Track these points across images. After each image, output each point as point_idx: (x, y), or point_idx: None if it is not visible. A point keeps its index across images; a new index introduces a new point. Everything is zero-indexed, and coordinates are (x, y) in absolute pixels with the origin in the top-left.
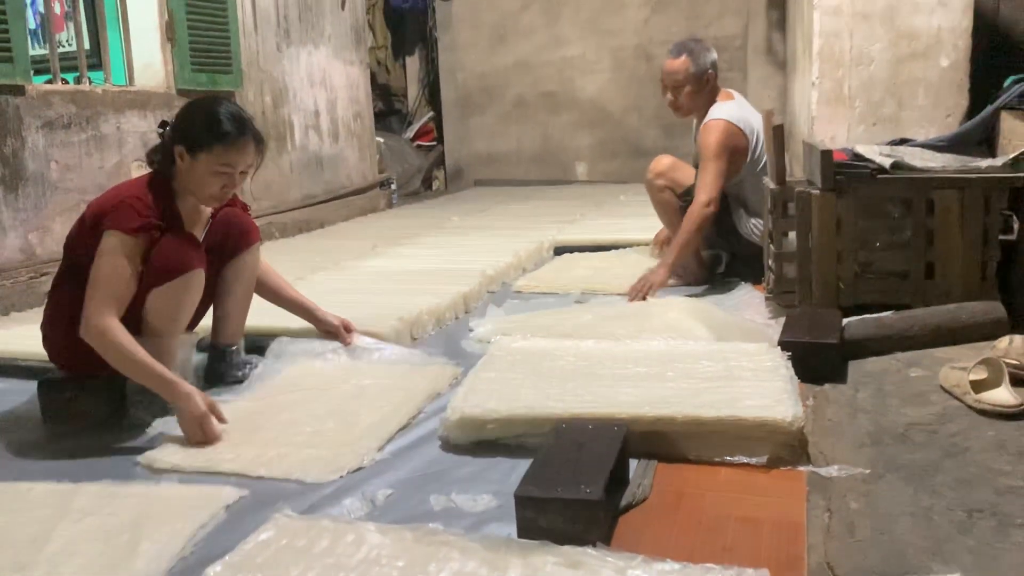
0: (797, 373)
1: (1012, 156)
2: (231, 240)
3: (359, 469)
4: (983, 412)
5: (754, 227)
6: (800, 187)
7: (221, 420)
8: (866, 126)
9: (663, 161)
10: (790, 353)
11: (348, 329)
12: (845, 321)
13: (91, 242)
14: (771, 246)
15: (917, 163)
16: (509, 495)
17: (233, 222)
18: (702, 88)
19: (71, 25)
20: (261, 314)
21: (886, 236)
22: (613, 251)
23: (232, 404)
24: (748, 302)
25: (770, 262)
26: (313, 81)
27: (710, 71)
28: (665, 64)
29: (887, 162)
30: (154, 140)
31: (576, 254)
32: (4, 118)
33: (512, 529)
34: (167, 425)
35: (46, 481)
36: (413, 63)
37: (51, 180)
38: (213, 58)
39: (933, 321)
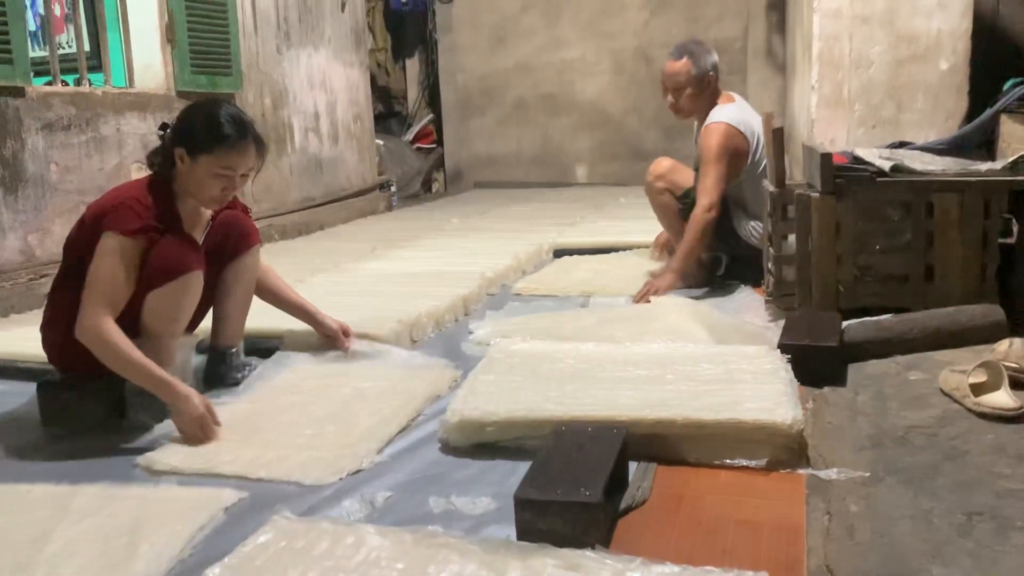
0: (797, 376)
1: (1011, 159)
2: (231, 242)
3: (358, 471)
4: (983, 415)
5: (753, 229)
6: (800, 190)
7: (215, 423)
8: (866, 129)
9: (662, 163)
10: (790, 356)
11: (347, 334)
12: (845, 324)
13: (91, 243)
14: (771, 249)
15: (917, 166)
16: (508, 497)
17: (233, 224)
18: (703, 90)
19: (71, 27)
20: (261, 316)
21: (885, 239)
22: (613, 254)
23: (231, 406)
24: (748, 305)
25: (770, 265)
26: (313, 83)
27: (711, 73)
28: (666, 66)
29: (887, 165)
30: (154, 142)
31: (576, 257)
32: (4, 120)
33: (511, 531)
34: (166, 427)
35: (45, 483)
36: (413, 65)
37: (51, 182)
38: (213, 60)
39: (933, 324)
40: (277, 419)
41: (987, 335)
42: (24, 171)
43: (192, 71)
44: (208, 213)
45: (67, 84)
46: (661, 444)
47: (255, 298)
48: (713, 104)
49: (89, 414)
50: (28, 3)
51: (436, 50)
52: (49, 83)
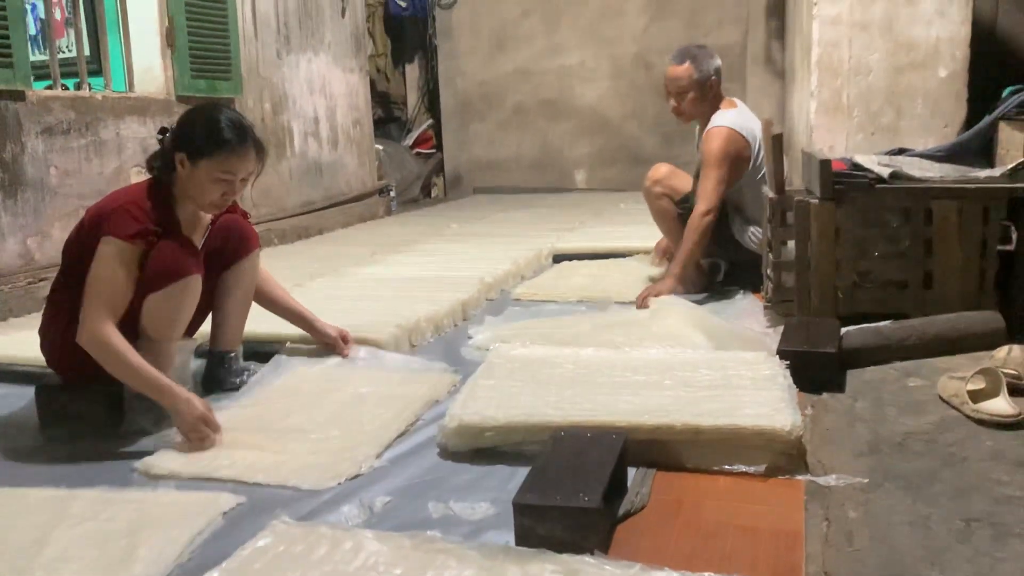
0: (795, 382)
1: (1010, 166)
2: (230, 247)
3: (357, 476)
4: (981, 422)
5: (753, 235)
6: (799, 196)
7: (215, 428)
8: (864, 135)
9: (661, 169)
10: (788, 362)
11: (345, 340)
12: (843, 330)
13: (90, 247)
14: (770, 255)
15: (915, 173)
16: (507, 503)
17: (233, 229)
18: (705, 94)
19: (71, 31)
20: (260, 321)
21: (884, 246)
22: (612, 259)
23: (230, 410)
24: (747, 310)
25: (769, 271)
26: (313, 88)
27: (713, 77)
28: (668, 70)
29: (885, 172)
30: (153, 146)
31: (575, 262)
32: (4, 124)
33: (510, 537)
34: (165, 431)
35: (43, 486)
36: (413, 70)
37: (50, 186)
38: (213, 64)
39: (931, 331)
40: (276, 424)
41: (986, 342)
42: (24, 175)
43: (192, 75)
44: (207, 217)
45: (67, 88)
46: (660, 450)
47: (254, 303)
48: (716, 108)
49: (87, 418)
50: (28, 7)
51: (436, 55)
52: (49, 87)
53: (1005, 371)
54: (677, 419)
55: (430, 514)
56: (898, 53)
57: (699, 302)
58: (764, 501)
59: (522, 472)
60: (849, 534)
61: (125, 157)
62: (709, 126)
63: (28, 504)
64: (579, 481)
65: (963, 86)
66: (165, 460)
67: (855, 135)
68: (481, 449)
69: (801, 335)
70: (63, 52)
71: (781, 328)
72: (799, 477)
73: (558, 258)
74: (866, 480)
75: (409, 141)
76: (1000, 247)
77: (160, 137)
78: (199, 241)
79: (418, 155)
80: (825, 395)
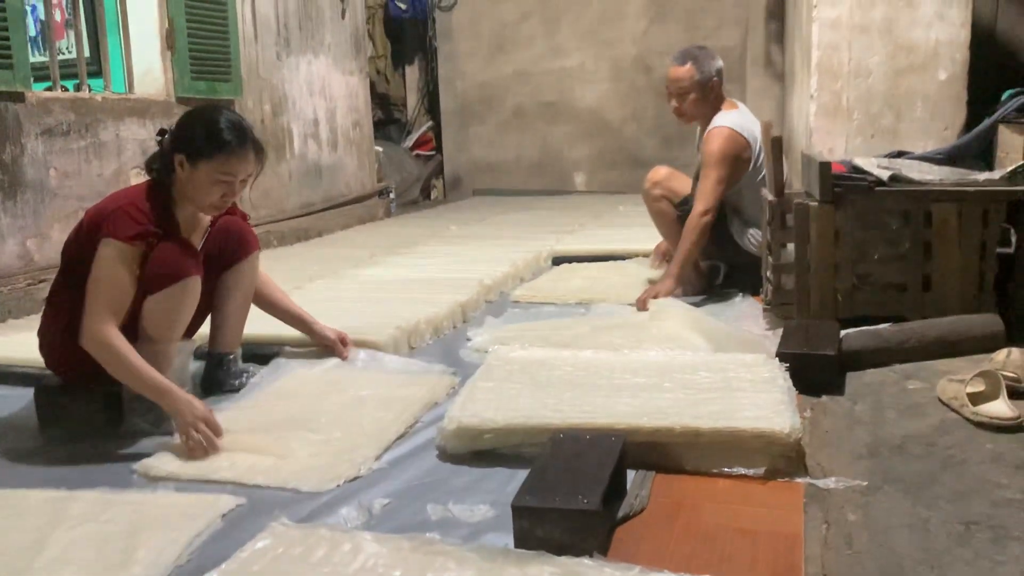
0: (795, 384)
1: (1010, 169)
2: (230, 248)
3: (356, 478)
4: (980, 425)
5: (752, 238)
6: (798, 199)
7: (217, 432)
8: (864, 138)
9: (660, 171)
10: (788, 364)
11: (344, 342)
12: (843, 333)
13: (89, 249)
14: (769, 257)
15: (915, 176)
16: (506, 505)
17: (232, 230)
18: (707, 95)
19: (71, 32)
20: (259, 322)
21: (884, 248)
22: (611, 261)
23: (229, 412)
24: (746, 313)
25: (768, 273)
26: (312, 90)
27: (715, 79)
28: (670, 71)
29: (885, 174)
30: (153, 148)
31: (574, 264)
32: (3, 125)
33: (509, 539)
34: (164, 433)
35: (42, 488)
36: (412, 72)
37: (50, 187)
38: (213, 66)
39: (931, 333)
40: (275, 425)
41: (985, 344)
42: (23, 176)
43: (192, 77)
44: (207, 219)
45: (67, 90)
46: (659, 452)
47: (253, 306)
48: (717, 109)
49: (87, 419)
50: (29, 8)
51: (436, 57)
52: (49, 88)
53: (1005, 374)
54: (676, 421)
55: (429, 516)
56: (898, 56)
57: (698, 304)
58: (763, 504)
59: (521, 474)
60: (848, 537)
61: (125, 159)
62: (710, 127)
63: (27, 505)
64: (578, 483)
65: (963, 89)
66: (164, 462)
67: (855, 138)
68: (480, 451)
69: (800, 337)
70: (63, 53)
71: (780, 330)
72: (798, 480)
73: (557, 260)
74: (865, 483)
75: (409, 143)
76: (999, 250)
77: (159, 138)
78: (199, 243)
79: (418, 157)
80: (824, 398)
